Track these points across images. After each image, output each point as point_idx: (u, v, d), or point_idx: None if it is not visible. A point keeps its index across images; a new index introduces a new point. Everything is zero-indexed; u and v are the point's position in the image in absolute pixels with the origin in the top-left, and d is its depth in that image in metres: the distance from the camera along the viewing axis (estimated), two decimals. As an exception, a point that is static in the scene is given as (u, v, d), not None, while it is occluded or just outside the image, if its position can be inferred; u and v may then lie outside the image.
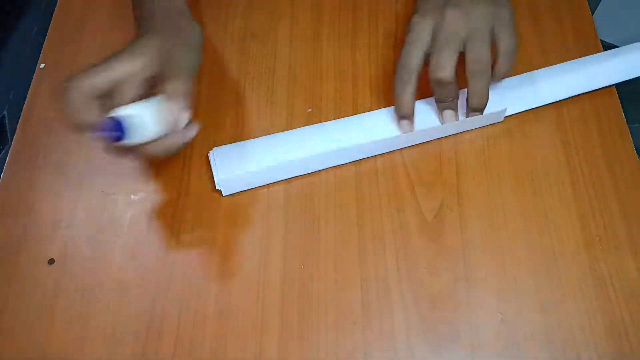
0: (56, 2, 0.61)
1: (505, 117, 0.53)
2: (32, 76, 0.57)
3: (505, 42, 0.49)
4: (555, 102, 0.54)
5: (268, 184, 0.51)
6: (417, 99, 0.51)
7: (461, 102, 0.52)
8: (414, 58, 0.50)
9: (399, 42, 0.54)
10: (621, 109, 0.54)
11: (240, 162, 0.49)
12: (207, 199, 0.50)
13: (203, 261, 0.48)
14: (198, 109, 0.54)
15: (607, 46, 0.58)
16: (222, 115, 0.54)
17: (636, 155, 0.52)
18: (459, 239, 0.48)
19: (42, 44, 0.59)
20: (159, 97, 0.42)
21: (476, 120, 0.52)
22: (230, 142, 0.51)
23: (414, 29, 0.50)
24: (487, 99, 0.50)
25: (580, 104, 0.55)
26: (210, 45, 0.58)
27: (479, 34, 0.49)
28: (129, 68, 0.42)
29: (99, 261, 0.48)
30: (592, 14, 0.61)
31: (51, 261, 0.48)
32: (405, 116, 0.51)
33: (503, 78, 0.50)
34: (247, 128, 0.53)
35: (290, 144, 0.51)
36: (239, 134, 0.53)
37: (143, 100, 0.42)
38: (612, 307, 0.45)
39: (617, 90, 0.55)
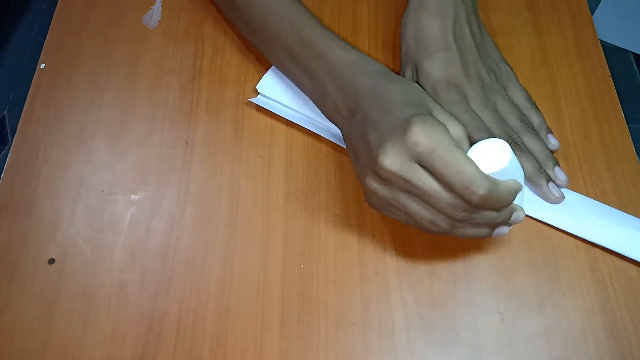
0: (56, 2, 0.61)
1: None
2: (32, 76, 0.57)
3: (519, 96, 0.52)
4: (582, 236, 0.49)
5: (267, 186, 0.51)
6: None
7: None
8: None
9: (399, 42, 0.54)
10: (621, 109, 0.54)
11: (284, 93, 0.52)
12: (207, 199, 0.50)
13: (203, 261, 0.48)
14: (195, 114, 0.54)
15: (606, 46, 0.58)
16: (220, 115, 0.54)
17: (636, 155, 0.52)
18: (459, 239, 0.48)
19: (42, 44, 0.59)
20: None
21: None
22: (227, 142, 0.51)
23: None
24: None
25: (580, 103, 0.55)
26: (211, 46, 0.58)
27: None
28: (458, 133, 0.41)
29: (99, 261, 0.48)
30: (592, 14, 0.61)
31: (51, 261, 0.48)
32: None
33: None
34: (247, 128, 0.53)
35: None
36: (239, 135, 0.53)
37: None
38: (612, 307, 0.45)
39: (617, 90, 0.55)
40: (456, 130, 0.41)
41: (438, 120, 0.39)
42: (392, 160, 0.39)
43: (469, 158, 0.38)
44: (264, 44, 0.52)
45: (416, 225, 0.42)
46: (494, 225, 0.42)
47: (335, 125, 0.48)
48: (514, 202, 0.41)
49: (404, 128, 0.38)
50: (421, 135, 0.38)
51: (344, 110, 0.45)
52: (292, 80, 0.52)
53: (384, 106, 0.41)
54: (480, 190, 0.38)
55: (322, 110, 0.49)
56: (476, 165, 0.38)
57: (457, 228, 0.41)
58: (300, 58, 0.48)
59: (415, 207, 0.40)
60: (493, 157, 0.39)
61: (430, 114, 0.40)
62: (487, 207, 0.39)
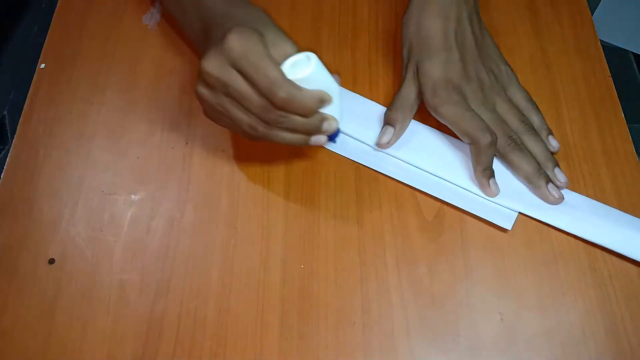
0: (56, 2, 0.61)
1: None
2: (32, 76, 0.57)
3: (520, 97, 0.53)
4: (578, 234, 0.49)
5: (267, 186, 0.51)
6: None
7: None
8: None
9: (399, 42, 0.54)
10: (621, 109, 0.54)
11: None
12: (207, 199, 0.50)
13: (203, 261, 0.48)
14: (195, 114, 0.54)
15: (606, 46, 0.58)
16: (222, 115, 0.54)
17: (636, 155, 0.52)
18: (459, 239, 0.48)
19: (42, 44, 0.59)
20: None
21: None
22: (227, 142, 0.51)
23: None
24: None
25: (580, 103, 0.55)
26: (210, 45, 0.58)
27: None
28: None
29: (99, 261, 0.48)
30: (592, 14, 0.61)
31: (51, 261, 0.48)
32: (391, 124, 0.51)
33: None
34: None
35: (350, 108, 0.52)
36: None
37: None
38: (612, 307, 0.45)
39: (617, 90, 0.55)
40: (286, 47, 0.44)
41: (258, 33, 0.43)
42: (212, 64, 0.42)
43: (277, 65, 0.42)
44: None
45: (240, 131, 0.46)
46: (306, 132, 0.45)
47: (197, 48, 0.51)
48: (329, 113, 0.45)
49: (224, 37, 0.42)
50: (236, 42, 0.42)
51: (199, 32, 0.49)
52: (167, 9, 0.54)
53: (225, 27, 0.44)
54: (281, 92, 0.42)
55: (186, 35, 0.53)
56: (282, 72, 0.42)
57: (273, 131, 0.45)
58: None
59: (235, 111, 0.44)
60: (301, 67, 0.43)
61: (254, 29, 0.43)
62: (291, 110, 0.43)
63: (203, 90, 0.44)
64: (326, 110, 0.45)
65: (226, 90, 0.43)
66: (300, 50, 0.44)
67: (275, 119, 0.43)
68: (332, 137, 0.47)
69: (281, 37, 0.45)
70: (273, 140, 0.45)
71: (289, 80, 0.42)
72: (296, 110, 0.43)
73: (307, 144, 0.46)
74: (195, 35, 0.51)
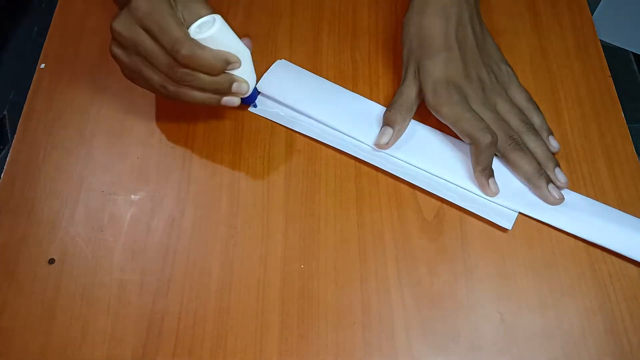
0: (56, 2, 0.61)
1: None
2: (32, 76, 0.57)
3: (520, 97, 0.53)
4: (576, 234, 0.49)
5: (267, 186, 0.51)
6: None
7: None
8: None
9: (399, 42, 0.54)
10: (621, 109, 0.54)
11: (286, 91, 0.54)
12: (207, 199, 0.50)
13: (203, 261, 0.48)
14: (196, 114, 0.54)
15: (606, 46, 0.58)
16: (220, 115, 0.54)
17: (636, 155, 0.52)
18: (459, 239, 0.48)
19: (42, 44, 0.59)
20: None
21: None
22: (227, 142, 0.51)
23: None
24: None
25: (580, 103, 0.55)
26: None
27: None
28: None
29: (99, 261, 0.48)
30: (592, 14, 0.61)
31: (51, 261, 0.48)
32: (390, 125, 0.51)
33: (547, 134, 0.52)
34: (247, 128, 0.53)
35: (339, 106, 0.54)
36: (239, 135, 0.53)
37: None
38: (612, 307, 0.45)
39: (617, 90, 0.55)
40: (198, 9, 0.45)
41: None
42: (120, 24, 0.45)
43: (180, 24, 0.44)
44: None
45: (154, 90, 0.48)
46: (215, 91, 0.47)
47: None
48: (238, 75, 0.48)
49: None
50: (142, 2, 0.44)
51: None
52: None
53: None
54: (183, 49, 0.44)
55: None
56: (185, 30, 0.44)
57: (182, 89, 0.47)
58: None
59: (146, 70, 0.46)
60: (206, 28, 0.45)
61: None
62: (194, 67, 0.45)
63: (117, 50, 0.46)
64: (236, 72, 0.48)
65: (136, 50, 0.45)
66: (213, 12, 0.46)
67: (182, 77, 0.45)
68: (248, 100, 0.49)
69: (202, 5, 0.46)
70: (184, 99, 0.47)
71: (192, 39, 0.44)
72: (200, 67, 0.45)
73: (219, 104, 0.48)
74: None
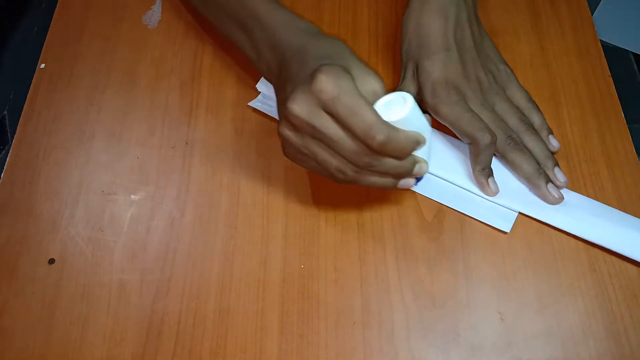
0: (56, 2, 0.61)
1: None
2: (32, 76, 0.57)
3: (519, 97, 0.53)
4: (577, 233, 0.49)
5: (267, 186, 0.51)
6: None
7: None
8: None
9: (399, 42, 0.54)
10: (621, 109, 0.54)
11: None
12: (207, 199, 0.50)
13: (203, 261, 0.48)
14: (195, 113, 0.54)
15: (606, 46, 0.58)
16: (220, 114, 0.54)
17: (636, 155, 0.52)
18: (459, 239, 0.48)
19: (42, 44, 0.59)
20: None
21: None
22: (227, 142, 0.51)
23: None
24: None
25: (580, 103, 0.55)
26: (211, 46, 0.58)
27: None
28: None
29: (99, 261, 0.48)
30: (592, 14, 0.61)
31: (51, 261, 0.48)
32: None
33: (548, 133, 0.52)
34: (247, 128, 0.53)
35: None
36: (239, 135, 0.53)
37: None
38: (612, 306, 0.45)
39: (617, 90, 0.55)
40: (373, 84, 0.41)
41: (347, 70, 0.40)
42: (300, 106, 0.40)
43: (371, 106, 0.39)
44: (208, 9, 0.53)
45: (326, 173, 0.43)
46: (397, 175, 0.43)
47: (270, 83, 0.49)
48: (418, 155, 0.43)
49: (312, 77, 0.39)
50: (326, 83, 0.39)
51: (275, 69, 0.46)
52: (235, 43, 0.51)
53: (304, 61, 0.43)
54: (379, 135, 0.39)
55: (259, 70, 0.50)
56: (377, 113, 0.39)
57: (362, 176, 0.43)
58: (239, 19, 0.49)
59: (323, 154, 0.42)
60: (396, 108, 0.41)
61: (341, 65, 0.40)
62: (387, 153, 0.41)
63: (288, 132, 0.42)
64: (417, 152, 0.43)
65: (314, 134, 0.40)
66: (382, 83, 0.42)
67: (368, 163, 0.41)
68: (418, 179, 0.45)
69: (365, 71, 0.42)
70: (361, 184, 0.43)
71: (386, 123, 0.40)
72: (392, 153, 0.41)
73: (395, 187, 0.44)
74: (270, 72, 0.48)
